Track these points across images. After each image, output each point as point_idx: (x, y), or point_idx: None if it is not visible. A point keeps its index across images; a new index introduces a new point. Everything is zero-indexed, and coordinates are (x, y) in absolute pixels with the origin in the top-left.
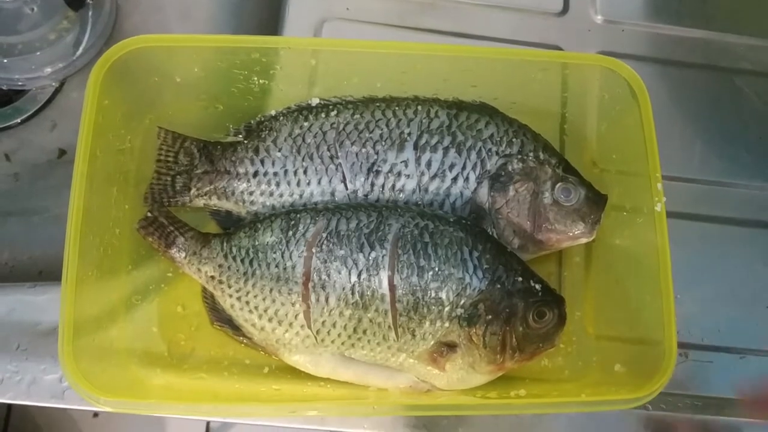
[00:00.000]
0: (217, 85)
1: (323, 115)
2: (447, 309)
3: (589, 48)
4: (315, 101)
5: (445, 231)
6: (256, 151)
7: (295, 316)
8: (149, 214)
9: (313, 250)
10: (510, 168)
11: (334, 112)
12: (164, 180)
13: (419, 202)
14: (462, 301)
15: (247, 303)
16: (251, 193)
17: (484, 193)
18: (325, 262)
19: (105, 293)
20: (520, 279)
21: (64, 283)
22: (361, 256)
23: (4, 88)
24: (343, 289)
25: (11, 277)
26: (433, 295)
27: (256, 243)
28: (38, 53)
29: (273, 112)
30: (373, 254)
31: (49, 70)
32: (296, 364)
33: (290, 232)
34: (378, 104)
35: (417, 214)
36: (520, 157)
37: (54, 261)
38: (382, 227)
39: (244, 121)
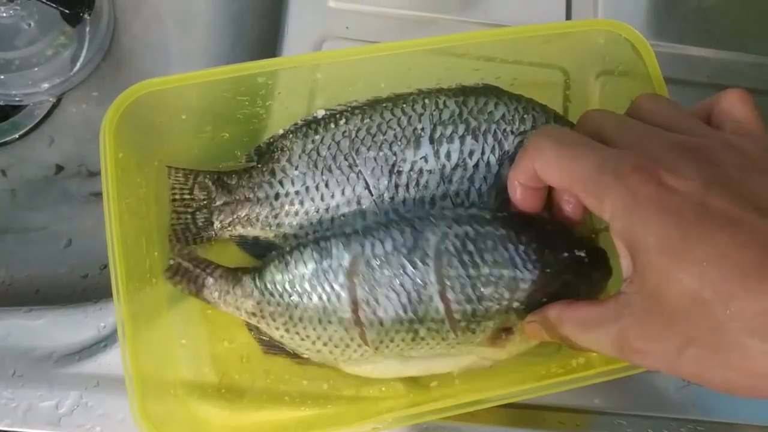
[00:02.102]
0: (222, 115)
1: (332, 125)
2: (505, 305)
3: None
4: (321, 113)
5: (487, 233)
6: (273, 173)
7: (351, 339)
8: (171, 262)
9: (355, 281)
10: None
11: (343, 121)
12: (184, 218)
13: (445, 195)
14: (517, 296)
15: (297, 333)
16: (276, 216)
17: (507, 175)
18: (371, 290)
19: (155, 345)
20: (566, 255)
21: (123, 343)
22: (406, 278)
23: (2, 103)
24: (396, 311)
25: (8, 296)
26: (488, 298)
27: (291, 277)
28: (36, 69)
29: (281, 131)
30: (418, 274)
31: (46, 85)
32: (358, 374)
33: (325, 263)
34: (384, 105)
35: (453, 221)
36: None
37: (51, 280)
38: (419, 243)
39: (252, 145)
